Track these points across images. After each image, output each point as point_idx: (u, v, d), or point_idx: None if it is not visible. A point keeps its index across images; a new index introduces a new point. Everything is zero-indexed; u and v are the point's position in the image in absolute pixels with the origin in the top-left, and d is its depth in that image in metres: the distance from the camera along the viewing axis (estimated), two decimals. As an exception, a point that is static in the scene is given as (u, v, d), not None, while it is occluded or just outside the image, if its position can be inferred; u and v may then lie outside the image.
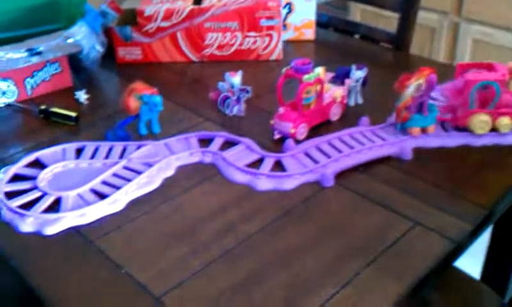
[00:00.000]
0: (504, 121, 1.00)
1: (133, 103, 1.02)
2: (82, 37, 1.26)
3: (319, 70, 1.03)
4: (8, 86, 1.19)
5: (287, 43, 1.48)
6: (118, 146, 1.01)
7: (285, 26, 1.49)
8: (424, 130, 1.02)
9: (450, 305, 1.08)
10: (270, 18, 1.34)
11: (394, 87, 1.00)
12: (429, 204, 0.85)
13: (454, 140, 1.01)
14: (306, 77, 0.99)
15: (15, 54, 1.17)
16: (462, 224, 0.81)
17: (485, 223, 0.85)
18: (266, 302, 0.69)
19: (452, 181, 0.91)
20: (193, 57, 1.39)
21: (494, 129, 1.02)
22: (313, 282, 0.72)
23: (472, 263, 1.34)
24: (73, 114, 1.10)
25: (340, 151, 0.97)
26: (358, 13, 2.61)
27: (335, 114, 1.09)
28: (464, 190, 0.88)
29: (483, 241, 1.12)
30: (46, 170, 0.94)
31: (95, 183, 0.91)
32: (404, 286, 0.71)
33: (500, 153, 0.98)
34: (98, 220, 0.84)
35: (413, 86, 0.98)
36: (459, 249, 0.79)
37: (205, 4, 1.34)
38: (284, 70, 1.03)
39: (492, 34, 2.20)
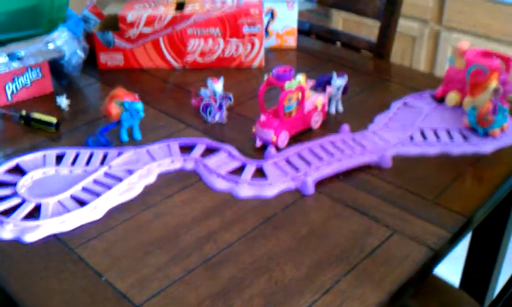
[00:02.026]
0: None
1: (114, 109, 1.02)
2: (63, 42, 1.25)
3: (300, 78, 1.03)
4: (-12, 91, 1.18)
5: (269, 50, 1.49)
6: (99, 153, 1.00)
7: (267, 33, 1.50)
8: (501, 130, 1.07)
9: (429, 312, 1.09)
10: (252, 25, 1.35)
11: (469, 95, 1.06)
12: (408, 212, 0.86)
13: (433, 148, 1.02)
14: (287, 84, 1.00)
15: (-5, 59, 1.16)
16: (441, 231, 0.82)
17: (463, 230, 0.86)
18: (246, 310, 0.69)
19: (431, 189, 0.92)
20: (175, 64, 1.39)
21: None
22: (292, 289, 0.72)
23: (451, 270, 1.36)
24: (53, 120, 1.10)
25: (320, 158, 0.98)
26: (340, 21, 2.63)
27: (316, 121, 1.09)
28: (442, 198, 0.89)
29: (462, 248, 1.13)
30: (26, 176, 0.93)
31: (76, 190, 0.91)
32: (384, 294, 0.72)
33: (479, 162, 0.99)
34: (78, 227, 0.84)
35: (491, 89, 1.00)
36: (437, 256, 0.80)
37: (187, 11, 1.34)
38: (266, 77, 1.03)
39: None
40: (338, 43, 1.68)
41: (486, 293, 1.32)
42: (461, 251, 1.11)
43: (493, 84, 1.00)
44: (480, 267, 1.31)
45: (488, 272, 1.30)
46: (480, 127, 1.04)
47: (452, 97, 1.14)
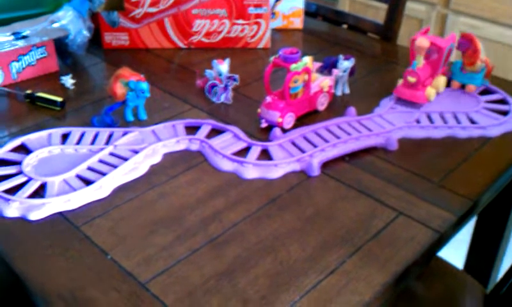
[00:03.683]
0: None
1: (120, 89, 1.02)
2: (68, 21, 1.24)
3: (307, 59, 1.03)
4: (-7, 70, 1.18)
5: (275, 31, 1.48)
6: (104, 132, 1.00)
7: (273, 14, 1.49)
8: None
9: (433, 294, 1.09)
10: (258, 6, 1.34)
11: (466, 67, 1.14)
12: (414, 195, 0.86)
13: (439, 131, 1.02)
14: (293, 66, 0.99)
15: (0, 38, 1.16)
16: (446, 214, 0.82)
17: (469, 214, 0.86)
18: (251, 289, 0.69)
19: (437, 172, 0.91)
20: (181, 44, 1.38)
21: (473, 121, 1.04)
22: (298, 270, 0.72)
23: (455, 253, 1.36)
24: (59, 99, 1.10)
25: (326, 140, 0.98)
26: (347, 3, 2.61)
27: (322, 103, 1.09)
28: (448, 181, 0.89)
29: (467, 231, 1.13)
30: (31, 155, 0.93)
31: (81, 169, 0.91)
32: (388, 275, 0.72)
33: (485, 145, 0.99)
34: (83, 206, 0.84)
35: (483, 49, 1.10)
36: (442, 239, 0.80)
37: (193, -9, 1.34)
38: (272, 58, 1.03)
39: (479, 27, 2.21)
40: (345, 25, 1.67)
41: (490, 276, 1.32)
42: (465, 234, 1.11)
43: (480, 45, 1.12)
44: (484, 251, 1.31)
45: (492, 256, 1.30)
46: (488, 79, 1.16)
47: (431, 92, 1.10)
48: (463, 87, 1.16)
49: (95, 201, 0.85)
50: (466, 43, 1.12)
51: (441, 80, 1.13)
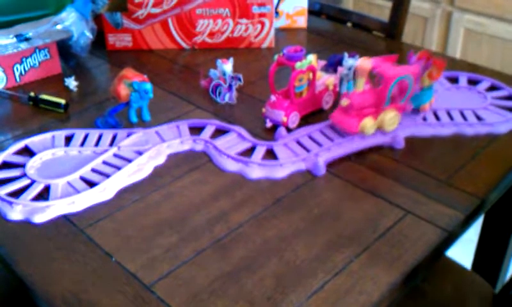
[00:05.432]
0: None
1: (123, 90, 1.01)
2: (71, 23, 1.24)
3: (311, 58, 1.02)
4: (-4, 73, 1.17)
5: (279, 30, 1.47)
6: (108, 134, 1.00)
7: (277, 13, 1.48)
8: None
9: (441, 294, 1.08)
10: (262, 5, 1.33)
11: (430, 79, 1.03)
12: (421, 193, 0.85)
13: (446, 129, 1.01)
14: (298, 64, 0.99)
15: (3, 40, 1.15)
16: (454, 213, 0.81)
17: (477, 212, 0.85)
18: (257, 291, 0.68)
19: (444, 170, 0.90)
20: (184, 45, 1.38)
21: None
22: (304, 270, 0.71)
23: (463, 252, 1.35)
24: (62, 101, 1.09)
25: (332, 139, 0.97)
26: (350, 1, 2.60)
27: (327, 102, 1.08)
28: (456, 179, 0.88)
29: (475, 230, 1.12)
30: (35, 157, 0.93)
31: (85, 170, 0.90)
32: (396, 275, 0.71)
33: (492, 142, 0.98)
34: (87, 208, 0.83)
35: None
36: (450, 237, 0.79)
37: (196, -9, 1.33)
38: (276, 57, 1.02)
39: (484, 24, 2.19)
40: (349, 24, 1.66)
41: (498, 276, 1.31)
42: (473, 233, 1.10)
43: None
44: (492, 250, 1.30)
45: (500, 255, 1.29)
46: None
47: (370, 125, 0.95)
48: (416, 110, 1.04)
49: (99, 203, 0.84)
50: (426, 63, 1.02)
51: (389, 115, 0.96)
